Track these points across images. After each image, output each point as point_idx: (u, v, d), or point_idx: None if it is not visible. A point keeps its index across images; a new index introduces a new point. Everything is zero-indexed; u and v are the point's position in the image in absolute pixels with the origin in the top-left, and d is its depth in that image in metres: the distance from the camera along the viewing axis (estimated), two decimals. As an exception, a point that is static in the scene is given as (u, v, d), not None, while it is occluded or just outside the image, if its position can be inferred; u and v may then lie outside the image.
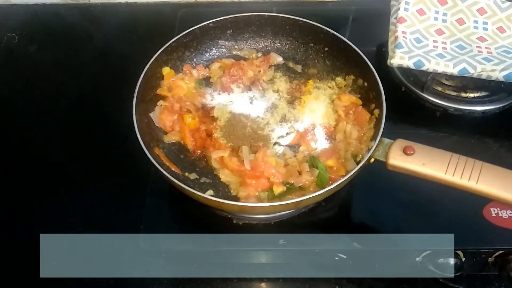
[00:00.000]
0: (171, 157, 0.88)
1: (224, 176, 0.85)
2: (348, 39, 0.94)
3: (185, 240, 0.88)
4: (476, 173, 0.72)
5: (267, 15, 1.01)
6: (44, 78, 1.16)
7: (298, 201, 0.76)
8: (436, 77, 1.03)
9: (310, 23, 0.99)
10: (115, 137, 1.01)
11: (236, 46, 1.05)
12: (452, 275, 0.82)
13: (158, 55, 0.93)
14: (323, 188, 0.77)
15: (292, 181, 0.82)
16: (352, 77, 0.96)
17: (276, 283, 0.88)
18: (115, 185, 0.96)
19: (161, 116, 0.92)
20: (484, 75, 0.95)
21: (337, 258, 0.86)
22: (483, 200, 0.77)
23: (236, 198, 0.82)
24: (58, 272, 0.87)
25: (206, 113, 0.94)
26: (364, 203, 0.89)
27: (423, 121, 1.02)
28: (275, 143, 0.90)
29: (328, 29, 0.97)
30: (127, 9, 1.31)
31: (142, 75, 0.89)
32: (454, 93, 1.04)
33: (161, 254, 0.90)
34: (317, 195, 0.76)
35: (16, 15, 1.30)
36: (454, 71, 0.95)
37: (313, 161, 0.84)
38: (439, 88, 1.04)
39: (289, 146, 0.90)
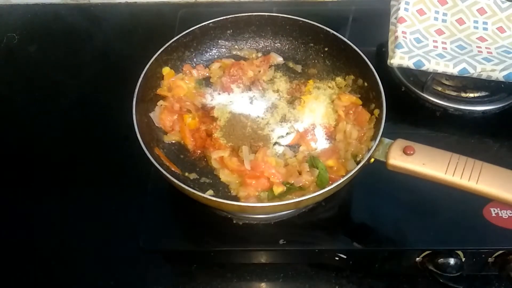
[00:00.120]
0: (171, 157, 0.88)
1: (224, 176, 0.85)
2: (348, 39, 0.94)
3: (185, 240, 0.88)
4: (476, 173, 0.72)
5: (267, 15, 1.01)
6: (44, 78, 1.16)
7: (298, 201, 0.75)
8: (436, 77, 1.03)
9: (310, 23, 0.99)
10: (115, 137, 1.01)
11: (236, 46, 1.05)
12: (452, 275, 0.83)
13: (158, 55, 0.93)
14: (323, 188, 0.77)
15: (292, 181, 0.82)
16: (352, 77, 0.96)
17: (276, 283, 0.88)
18: (115, 185, 0.96)
19: (161, 116, 0.92)
20: (484, 75, 0.95)
21: (337, 258, 0.86)
22: (483, 200, 0.77)
23: (236, 198, 0.82)
24: (58, 272, 0.87)
25: (206, 113, 0.94)
26: (364, 203, 0.89)
27: (423, 121, 1.02)
28: (275, 143, 0.90)
29: (328, 29, 0.97)
30: (127, 9, 1.31)
31: (142, 75, 0.89)
32: (454, 93, 1.04)
33: (161, 254, 0.90)
34: (317, 195, 0.76)
35: (16, 15, 1.30)
36: (454, 71, 0.95)
37: (313, 161, 0.84)
38: (439, 88, 1.04)
39: (289, 146, 0.90)
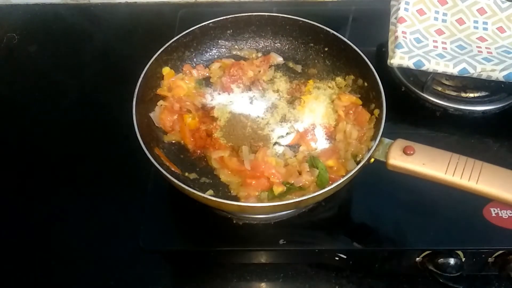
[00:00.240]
0: (171, 157, 0.88)
1: (224, 176, 0.85)
2: (348, 39, 0.94)
3: (185, 240, 0.88)
4: (476, 173, 0.72)
5: (267, 15, 1.01)
6: (44, 78, 1.16)
7: (298, 201, 0.75)
8: (436, 77, 1.03)
9: (310, 23, 0.99)
10: (115, 137, 1.01)
11: (236, 46, 1.05)
12: (452, 275, 0.83)
13: (158, 55, 0.93)
14: (323, 188, 0.77)
15: (292, 181, 0.82)
16: (352, 77, 0.96)
17: (276, 283, 0.88)
18: (115, 185, 0.96)
19: (161, 116, 0.92)
20: (484, 75, 0.95)
21: (337, 258, 0.86)
22: (483, 200, 0.77)
23: (236, 198, 0.82)
24: (58, 272, 0.87)
25: (206, 113, 0.94)
26: (364, 203, 0.89)
27: (423, 121, 1.02)
28: (275, 143, 0.90)
29: (328, 29, 0.97)
30: (127, 9, 1.31)
31: (142, 75, 0.89)
32: (454, 93, 1.04)
33: (161, 254, 0.90)
34: (317, 195, 0.76)
35: (16, 15, 1.30)
36: (454, 71, 0.95)
37: (313, 161, 0.84)
38: (439, 88, 1.04)
39: (289, 146, 0.90)
